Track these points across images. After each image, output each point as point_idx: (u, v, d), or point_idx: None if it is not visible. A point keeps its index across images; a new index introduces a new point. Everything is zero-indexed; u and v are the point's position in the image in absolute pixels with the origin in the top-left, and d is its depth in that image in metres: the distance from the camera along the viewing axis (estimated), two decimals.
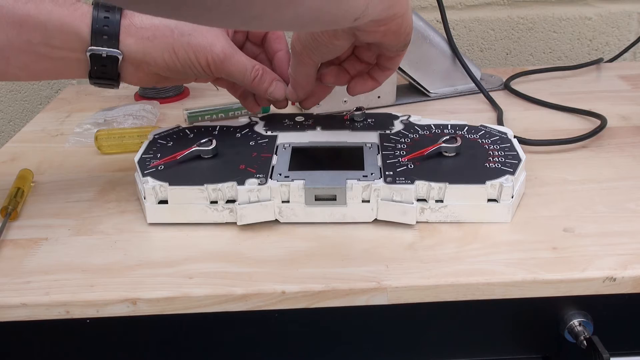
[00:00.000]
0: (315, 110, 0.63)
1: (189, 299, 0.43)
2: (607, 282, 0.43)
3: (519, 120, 0.70)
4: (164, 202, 0.50)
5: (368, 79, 0.54)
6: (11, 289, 0.44)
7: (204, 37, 0.51)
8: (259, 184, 0.49)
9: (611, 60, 0.91)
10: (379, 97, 0.74)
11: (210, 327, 0.46)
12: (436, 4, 0.79)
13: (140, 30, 0.51)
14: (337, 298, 0.43)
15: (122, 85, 0.54)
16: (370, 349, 0.47)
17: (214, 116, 0.73)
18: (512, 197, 0.49)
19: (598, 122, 0.65)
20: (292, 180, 0.49)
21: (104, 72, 0.52)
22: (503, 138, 0.56)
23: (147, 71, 0.52)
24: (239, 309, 0.43)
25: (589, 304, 0.45)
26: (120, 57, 0.51)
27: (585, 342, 0.44)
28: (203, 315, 0.44)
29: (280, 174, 0.50)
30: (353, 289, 0.43)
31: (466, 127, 0.58)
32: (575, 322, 0.45)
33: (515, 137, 0.56)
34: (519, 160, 0.52)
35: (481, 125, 0.58)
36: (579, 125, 0.67)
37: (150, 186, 0.50)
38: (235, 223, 0.50)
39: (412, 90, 0.78)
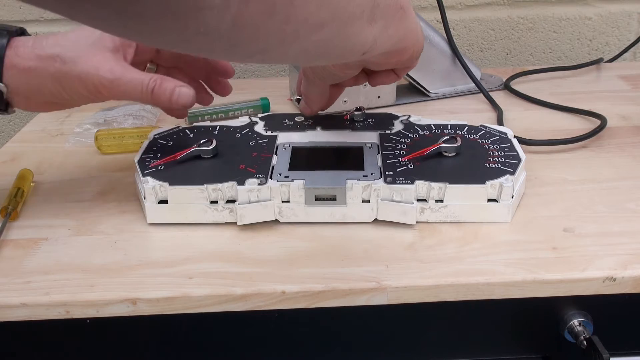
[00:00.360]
0: None
1: (189, 299, 0.43)
2: (607, 282, 0.43)
3: (519, 120, 0.70)
4: (164, 202, 0.50)
5: (390, 72, 0.53)
6: (11, 289, 0.44)
7: (88, 62, 0.49)
8: (259, 184, 0.49)
9: (611, 60, 0.91)
10: (379, 97, 0.74)
11: (210, 327, 0.46)
12: (436, 4, 0.79)
13: (24, 61, 0.49)
14: (337, 298, 0.43)
15: None
16: (370, 349, 0.47)
17: (214, 116, 0.73)
18: (512, 197, 0.49)
19: (598, 122, 0.65)
20: (292, 180, 0.49)
21: None
22: (503, 138, 0.56)
23: (36, 100, 0.51)
24: (239, 309, 0.43)
25: (589, 304, 0.45)
26: (4, 90, 0.49)
27: (585, 342, 0.44)
28: (203, 315, 0.44)
29: (280, 174, 0.50)
30: (353, 289, 0.43)
31: (466, 127, 0.58)
32: (575, 322, 0.45)
33: (515, 137, 0.56)
34: (519, 160, 0.52)
35: (481, 125, 0.58)
36: (579, 125, 0.67)
37: (150, 186, 0.50)
38: (235, 223, 0.50)
39: (412, 90, 0.78)
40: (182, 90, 0.51)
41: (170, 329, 0.46)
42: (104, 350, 0.47)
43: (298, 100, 0.61)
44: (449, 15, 0.90)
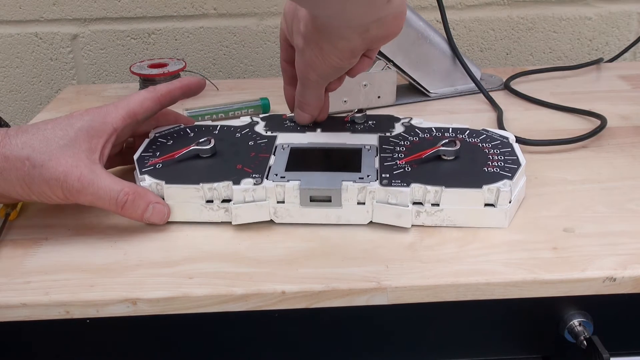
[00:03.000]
0: None
1: (189, 299, 0.43)
2: (607, 282, 0.43)
3: (519, 120, 0.70)
4: None
5: (364, 58, 0.53)
6: (11, 289, 0.44)
7: (57, 167, 0.47)
8: (255, 183, 0.49)
9: (611, 60, 0.91)
10: (379, 97, 0.74)
11: (210, 327, 0.46)
12: (436, 4, 0.79)
13: None
14: (337, 298, 0.43)
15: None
16: (371, 349, 0.47)
17: (214, 116, 0.73)
18: (510, 202, 0.49)
19: (598, 122, 0.65)
20: (288, 180, 0.49)
21: None
22: (504, 142, 0.55)
23: (7, 198, 0.49)
24: (239, 309, 0.43)
25: (589, 304, 0.45)
26: None
27: (585, 342, 0.44)
28: (203, 315, 0.44)
29: (276, 175, 0.50)
30: (353, 289, 0.43)
31: (467, 131, 0.57)
32: (575, 322, 0.45)
33: (516, 138, 0.56)
34: (519, 165, 0.51)
35: (483, 129, 0.58)
36: (579, 125, 0.67)
37: (147, 184, 0.50)
38: (232, 223, 0.50)
39: (412, 90, 0.78)
40: (156, 208, 0.49)
41: (170, 329, 0.46)
42: (104, 350, 0.47)
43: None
44: (449, 15, 0.90)
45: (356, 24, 0.46)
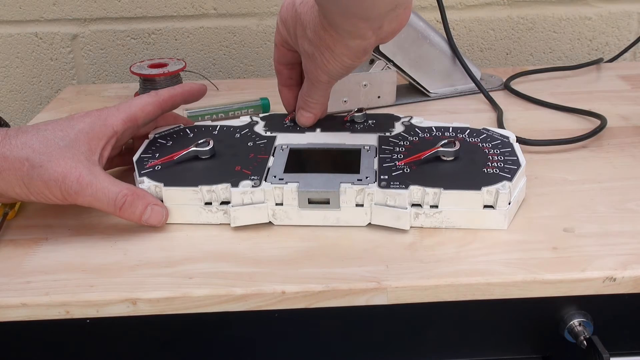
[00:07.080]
0: None
1: (189, 299, 0.43)
2: (607, 282, 0.43)
3: (519, 120, 0.70)
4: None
5: None
6: (11, 289, 0.44)
7: (56, 168, 0.47)
8: (253, 186, 0.49)
9: (611, 60, 0.91)
10: (379, 97, 0.74)
11: (210, 327, 0.46)
12: (436, 4, 0.79)
13: None
14: (337, 298, 0.43)
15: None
16: (370, 349, 0.47)
17: (214, 116, 0.73)
18: (509, 204, 0.48)
19: (598, 122, 0.65)
20: (286, 182, 0.49)
21: None
22: (505, 142, 0.55)
23: (6, 198, 0.49)
24: (239, 309, 0.43)
25: (589, 304, 0.45)
26: None
27: (585, 342, 0.44)
28: (203, 315, 0.44)
29: (275, 176, 0.50)
30: (353, 289, 0.43)
31: (468, 130, 0.57)
32: (575, 322, 0.45)
33: (517, 138, 0.56)
34: (519, 165, 0.51)
35: (483, 129, 0.57)
36: (579, 125, 0.67)
37: (146, 186, 0.50)
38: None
39: (412, 90, 0.78)
40: (155, 210, 0.49)
41: (170, 329, 0.46)
42: (104, 350, 0.47)
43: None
44: (449, 15, 0.90)
45: (375, 14, 0.46)
